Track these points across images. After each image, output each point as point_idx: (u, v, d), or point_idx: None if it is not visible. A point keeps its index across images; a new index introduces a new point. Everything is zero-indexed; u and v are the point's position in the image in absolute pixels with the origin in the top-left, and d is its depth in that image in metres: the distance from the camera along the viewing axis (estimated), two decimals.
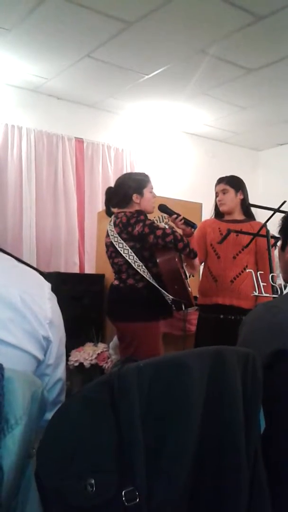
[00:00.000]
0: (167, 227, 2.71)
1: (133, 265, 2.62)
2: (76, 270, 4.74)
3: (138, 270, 2.61)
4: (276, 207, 2.66)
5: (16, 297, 0.95)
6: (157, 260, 2.61)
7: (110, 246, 2.72)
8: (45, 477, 0.85)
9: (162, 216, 3.97)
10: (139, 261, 2.62)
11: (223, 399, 0.98)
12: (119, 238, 2.65)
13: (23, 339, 0.95)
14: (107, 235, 2.74)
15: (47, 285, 1.07)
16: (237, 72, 4.07)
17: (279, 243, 1.50)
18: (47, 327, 1.00)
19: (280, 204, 2.67)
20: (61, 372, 1.08)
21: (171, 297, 2.62)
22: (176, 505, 0.90)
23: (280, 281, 2.51)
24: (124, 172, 4.70)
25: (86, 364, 3.54)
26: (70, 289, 3.86)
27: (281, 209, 2.63)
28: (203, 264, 3.16)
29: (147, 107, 4.97)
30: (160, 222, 3.98)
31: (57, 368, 1.06)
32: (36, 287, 1.03)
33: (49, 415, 0.89)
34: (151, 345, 2.61)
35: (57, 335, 1.04)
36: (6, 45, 3.73)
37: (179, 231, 2.78)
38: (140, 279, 2.63)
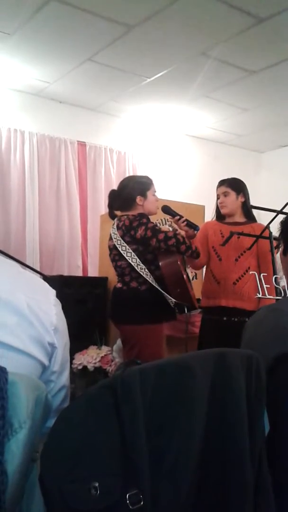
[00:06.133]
0: (170, 229, 2.71)
1: (136, 268, 2.62)
2: (79, 273, 4.75)
3: (141, 273, 2.62)
4: (279, 208, 2.66)
5: (23, 303, 0.96)
6: (160, 263, 2.61)
7: (113, 249, 2.73)
8: (49, 481, 0.85)
9: (165, 218, 3.98)
10: (142, 264, 2.63)
11: (227, 402, 0.98)
12: (122, 241, 2.65)
13: (29, 344, 0.95)
14: (110, 238, 2.74)
15: (52, 292, 1.07)
16: (239, 74, 4.08)
17: (280, 247, 1.49)
18: (52, 333, 1.00)
19: (283, 205, 2.66)
20: (65, 379, 1.08)
21: (173, 300, 2.62)
22: (181, 508, 0.90)
23: (283, 283, 2.50)
24: (127, 175, 4.71)
25: (90, 367, 3.54)
26: (73, 292, 3.86)
27: (284, 210, 2.62)
28: (205, 266, 3.16)
29: (149, 110, 4.98)
30: (163, 224, 3.98)
31: (61, 374, 1.06)
32: (42, 293, 1.04)
33: (51, 423, 0.89)
34: (155, 348, 2.61)
35: (62, 341, 1.04)
36: (8, 50, 3.75)
37: (182, 232, 2.78)
38: (143, 282, 2.63)
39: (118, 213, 2.82)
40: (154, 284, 2.61)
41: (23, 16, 3.27)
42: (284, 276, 1.58)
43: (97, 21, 3.30)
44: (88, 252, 4.88)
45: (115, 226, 2.72)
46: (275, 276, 2.44)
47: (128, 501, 0.82)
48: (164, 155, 5.48)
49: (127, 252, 2.64)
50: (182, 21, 3.29)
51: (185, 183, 5.52)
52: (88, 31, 3.44)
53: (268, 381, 1.05)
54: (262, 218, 3.10)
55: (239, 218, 3.09)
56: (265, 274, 2.61)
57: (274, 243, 2.64)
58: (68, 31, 3.47)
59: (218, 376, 0.97)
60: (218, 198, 3.11)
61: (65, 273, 4.50)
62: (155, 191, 2.84)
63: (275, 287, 2.37)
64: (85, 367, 3.56)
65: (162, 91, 4.46)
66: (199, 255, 2.73)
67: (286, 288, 2.40)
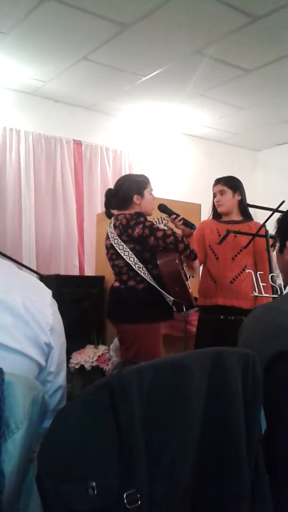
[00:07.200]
0: (166, 228, 2.71)
1: (134, 267, 2.62)
2: (76, 272, 4.75)
3: (139, 272, 2.61)
4: (275, 206, 2.66)
5: (19, 303, 0.96)
6: (158, 262, 2.61)
7: (110, 248, 2.72)
8: (46, 481, 0.85)
9: (161, 217, 3.98)
10: (140, 263, 2.63)
11: (224, 400, 0.98)
12: (119, 240, 2.65)
13: (25, 345, 0.95)
14: (107, 237, 2.74)
15: (48, 292, 1.07)
16: (234, 72, 4.08)
17: (277, 245, 1.49)
18: (49, 333, 1.00)
19: (279, 203, 2.67)
20: (62, 379, 1.08)
21: (172, 298, 2.62)
22: (178, 507, 0.90)
23: (280, 281, 2.51)
24: (123, 173, 4.71)
25: (87, 366, 3.54)
26: (70, 291, 3.86)
27: (279, 209, 2.63)
28: (202, 265, 3.16)
29: (144, 109, 4.98)
30: (160, 223, 3.98)
31: (58, 375, 1.06)
32: (38, 293, 1.04)
33: (48, 423, 0.89)
34: (152, 347, 2.61)
35: (58, 341, 1.04)
36: (3, 49, 3.74)
37: (179, 231, 2.78)
38: (141, 280, 2.63)
39: (115, 212, 2.82)
40: (152, 283, 2.61)
41: (18, 15, 3.26)
42: (280, 274, 1.58)
43: (92, 20, 3.29)
44: (85, 251, 4.88)
45: (112, 225, 2.72)
46: (271, 274, 2.45)
47: (125, 501, 0.82)
48: (160, 154, 5.48)
49: (124, 251, 2.64)
50: (177, 19, 3.28)
51: (181, 182, 5.53)
52: (83, 29, 3.44)
53: (265, 380, 1.05)
54: (259, 216, 3.11)
55: (236, 216, 3.09)
56: (262, 272, 2.61)
57: (270, 241, 2.65)
58: (63, 30, 3.46)
59: (215, 375, 0.97)
60: (214, 197, 3.11)
61: (62, 272, 4.50)
62: (152, 190, 2.84)
63: (272, 285, 2.38)
64: (82, 366, 3.56)
65: (158, 89, 4.46)
66: (196, 257, 2.72)
67: (283, 286, 2.41)
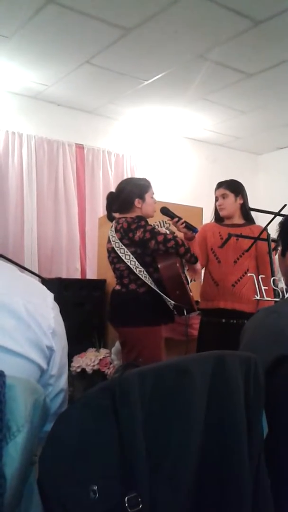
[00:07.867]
0: (168, 232, 2.72)
1: (135, 270, 2.62)
2: (77, 275, 4.75)
3: (140, 275, 2.62)
4: (276, 210, 2.66)
5: (20, 306, 0.96)
6: (158, 266, 2.61)
7: (111, 252, 2.73)
8: (48, 485, 0.84)
9: (163, 220, 3.98)
10: (141, 267, 2.63)
11: (225, 404, 0.98)
12: (120, 243, 2.65)
13: (27, 348, 0.95)
14: (109, 241, 2.75)
15: (50, 295, 1.07)
16: (236, 76, 4.09)
17: (279, 248, 1.50)
18: (50, 337, 1.00)
19: (281, 207, 2.67)
20: (63, 382, 1.08)
21: (172, 302, 2.62)
22: (179, 511, 0.89)
23: (282, 284, 2.51)
24: (125, 177, 4.71)
25: (88, 370, 3.54)
26: (71, 295, 3.86)
27: (281, 212, 2.63)
28: (204, 268, 3.16)
29: (147, 113, 4.99)
30: (161, 226, 3.99)
31: (60, 378, 1.06)
32: (40, 296, 1.03)
33: (49, 427, 0.89)
34: (153, 350, 2.61)
35: (60, 344, 1.04)
36: (6, 53, 3.75)
37: (180, 234, 2.78)
38: (142, 284, 2.64)
39: (116, 215, 2.82)
40: (153, 287, 2.61)
41: (21, 19, 3.27)
42: (282, 278, 1.58)
43: (94, 24, 3.30)
44: (87, 255, 4.88)
45: (113, 229, 2.73)
46: (273, 278, 2.44)
47: (126, 504, 0.82)
48: (162, 158, 5.49)
49: (125, 254, 2.64)
50: (179, 24, 3.29)
51: (183, 185, 5.53)
52: (85, 33, 3.45)
53: (266, 384, 1.05)
54: (260, 220, 3.11)
55: (238, 220, 3.09)
56: (264, 276, 2.61)
57: (272, 244, 2.65)
58: (66, 34, 3.48)
59: (217, 378, 0.97)
60: (216, 200, 3.12)
61: (64, 276, 4.50)
62: (153, 194, 2.84)
63: (273, 288, 2.38)
64: (83, 370, 3.56)
65: (160, 93, 4.47)
66: (197, 260, 2.72)
67: (284, 290, 2.41)
